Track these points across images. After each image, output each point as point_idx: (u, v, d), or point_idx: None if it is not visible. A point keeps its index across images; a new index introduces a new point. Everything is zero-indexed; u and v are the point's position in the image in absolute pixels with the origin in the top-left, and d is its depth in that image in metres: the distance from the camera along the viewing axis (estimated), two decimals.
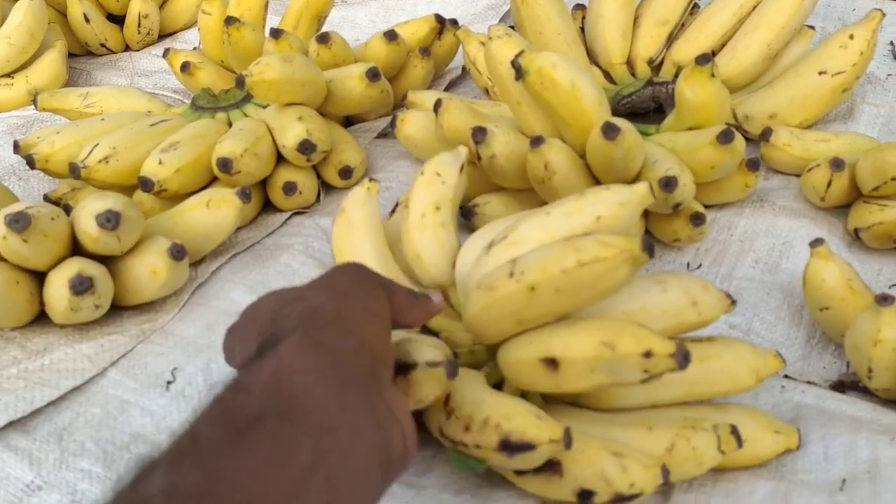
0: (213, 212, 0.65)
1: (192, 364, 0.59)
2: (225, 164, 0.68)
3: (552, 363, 0.45)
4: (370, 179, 0.65)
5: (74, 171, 0.69)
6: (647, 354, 0.42)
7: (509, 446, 0.43)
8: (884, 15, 0.72)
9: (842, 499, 0.47)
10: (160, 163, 0.69)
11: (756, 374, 0.50)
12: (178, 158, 0.69)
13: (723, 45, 0.81)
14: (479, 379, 0.49)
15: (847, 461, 0.49)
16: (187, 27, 1.16)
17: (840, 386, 0.58)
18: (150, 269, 0.61)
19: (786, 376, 0.58)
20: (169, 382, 0.58)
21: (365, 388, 0.38)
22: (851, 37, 0.71)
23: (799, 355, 0.61)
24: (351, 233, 0.62)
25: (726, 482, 0.49)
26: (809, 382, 0.57)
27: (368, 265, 0.45)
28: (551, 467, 0.45)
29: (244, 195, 0.66)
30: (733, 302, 0.51)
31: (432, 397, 0.44)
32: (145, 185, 0.69)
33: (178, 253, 0.60)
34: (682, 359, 0.41)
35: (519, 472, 0.47)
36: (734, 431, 0.47)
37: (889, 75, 0.85)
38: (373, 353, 0.40)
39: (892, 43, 0.90)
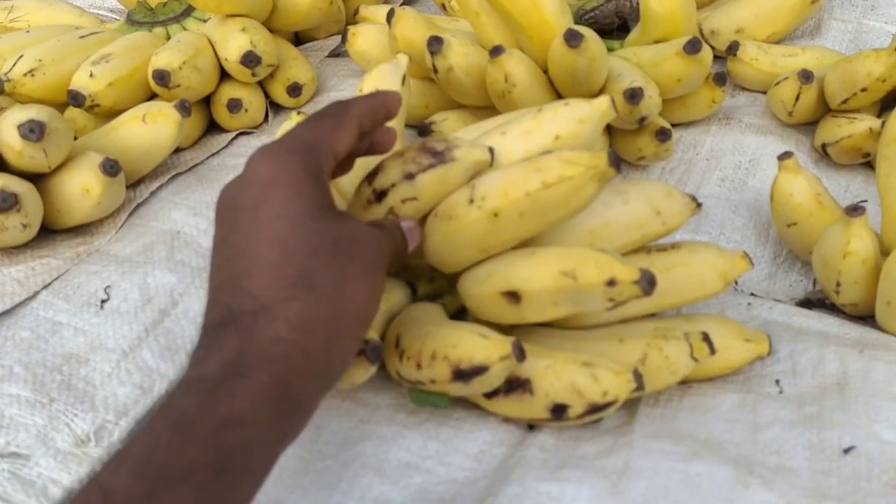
0: (150, 126, 0.60)
1: (128, 280, 0.55)
2: (162, 77, 0.63)
3: (514, 296, 0.42)
4: (298, 112, 0.61)
5: None
6: (611, 283, 0.40)
7: (462, 374, 0.41)
8: None
9: (810, 409, 0.46)
10: (91, 75, 0.63)
11: (724, 278, 0.48)
12: (110, 71, 0.64)
13: None
14: (430, 311, 0.47)
15: (815, 374, 0.48)
16: None
17: (807, 303, 0.57)
18: (81, 187, 0.56)
19: (752, 294, 0.57)
20: (103, 301, 0.54)
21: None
22: None
23: (765, 274, 0.59)
24: None
25: (693, 396, 0.48)
26: (776, 300, 0.56)
27: None
28: (521, 386, 0.43)
29: (183, 108, 0.61)
30: (699, 204, 0.49)
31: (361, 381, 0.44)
32: (75, 99, 0.63)
33: (111, 168, 0.55)
34: (647, 284, 0.39)
35: (489, 397, 0.45)
36: (706, 338, 0.45)
37: None
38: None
39: None
